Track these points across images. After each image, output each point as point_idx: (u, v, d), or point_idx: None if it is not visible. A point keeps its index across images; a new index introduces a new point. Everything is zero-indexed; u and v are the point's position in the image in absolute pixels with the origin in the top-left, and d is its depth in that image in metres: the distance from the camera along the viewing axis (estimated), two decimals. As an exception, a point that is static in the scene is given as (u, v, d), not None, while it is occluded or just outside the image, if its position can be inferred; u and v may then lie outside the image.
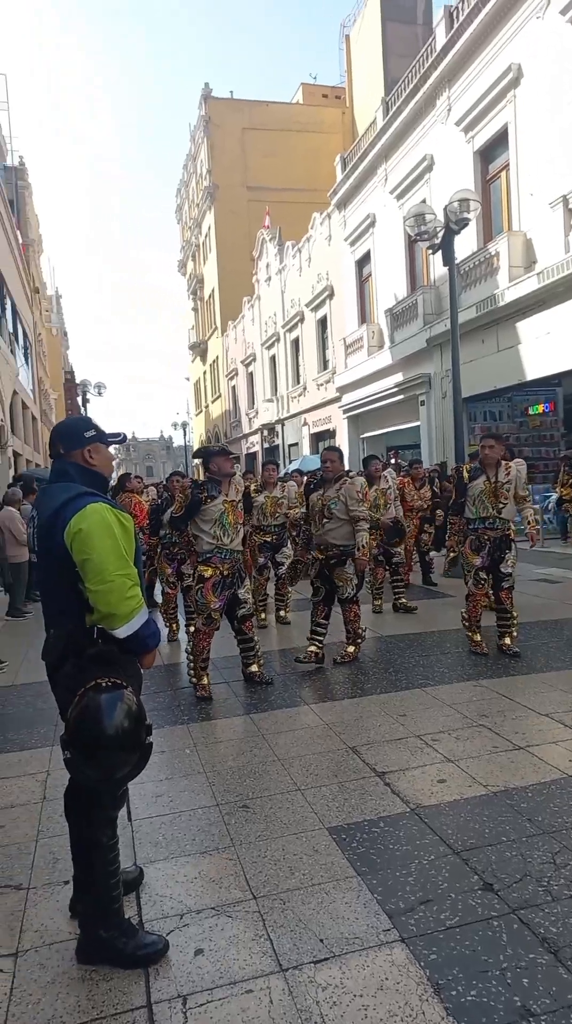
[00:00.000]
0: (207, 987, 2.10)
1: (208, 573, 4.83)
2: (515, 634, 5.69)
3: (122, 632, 2.13)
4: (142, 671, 2.37)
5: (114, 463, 2.65)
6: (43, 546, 2.20)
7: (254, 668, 5.15)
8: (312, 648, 5.48)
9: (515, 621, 5.69)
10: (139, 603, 2.16)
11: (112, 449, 2.55)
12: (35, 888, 2.64)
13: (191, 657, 4.94)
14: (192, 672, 4.95)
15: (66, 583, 2.14)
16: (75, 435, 2.32)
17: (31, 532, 8.44)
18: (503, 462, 5.56)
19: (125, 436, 2.50)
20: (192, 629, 5.02)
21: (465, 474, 5.65)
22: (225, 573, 4.87)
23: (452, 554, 6.03)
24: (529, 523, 5.58)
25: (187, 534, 4.98)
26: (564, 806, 3.06)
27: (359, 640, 5.66)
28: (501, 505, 5.49)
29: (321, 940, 2.28)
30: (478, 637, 5.75)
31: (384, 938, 2.28)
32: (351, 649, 5.61)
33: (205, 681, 4.92)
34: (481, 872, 2.62)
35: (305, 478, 7.59)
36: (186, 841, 2.94)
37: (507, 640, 5.64)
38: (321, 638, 5.52)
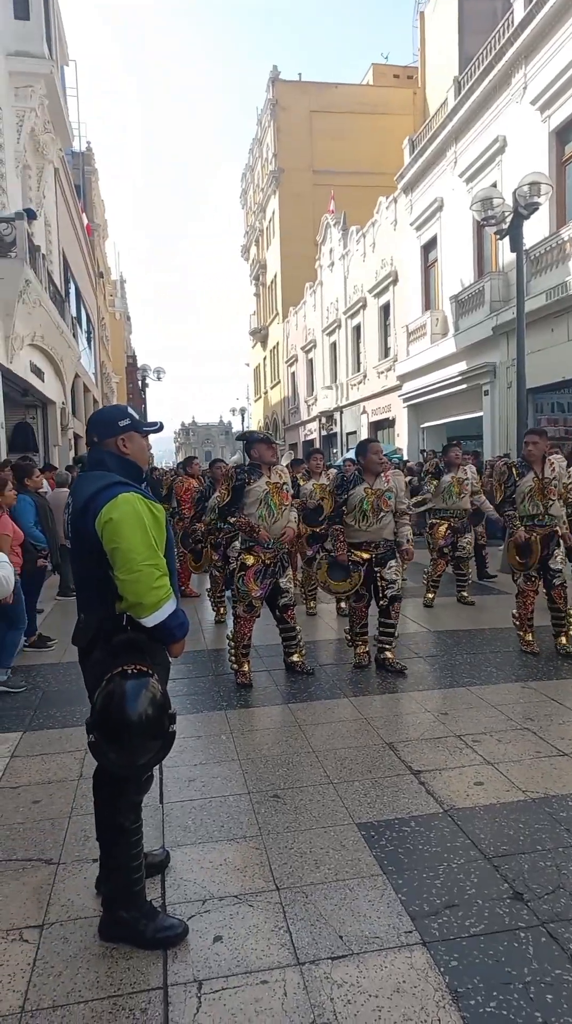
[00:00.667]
0: (223, 974, 2.11)
1: (250, 561, 4.83)
2: (571, 633, 5.52)
3: (149, 621, 2.14)
4: (171, 659, 2.38)
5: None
6: (76, 533, 2.23)
7: (295, 658, 5.14)
8: (364, 649, 5.32)
9: (571, 619, 5.52)
10: (167, 593, 2.16)
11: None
12: (65, 864, 2.71)
13: (232, 643, 4.96)
14: (233, 658, 4.98)
15: (97, 570, 2.17)
16: (109, 424, 2.33)
17: (66, 519, 8.65)
18: (547, 458, 5.40)
19: (161, 425, 2.50)
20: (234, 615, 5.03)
21: (515, 472, 5.49)
22: (267, 562, 4.86)
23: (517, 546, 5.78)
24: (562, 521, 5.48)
25: (242, 522, 4.88)
26: (606, 818, 2.95)
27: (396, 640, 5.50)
28: (549, 502, 5.35)
29: (340, 937, 2.26)
30: (529, 637, 5.59)
31: (405, 940, 2.24)
32: (390, 655, 5.26)
33: (245, 668, 4.94)
34: (512, 880, 2.54)
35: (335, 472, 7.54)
36: (214, 827, 2.96)
37: (563, 639, 5.49)
38: (366, 637, 5.41)
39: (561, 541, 5.47)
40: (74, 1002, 2.02)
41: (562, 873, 2.58)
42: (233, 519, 4.88)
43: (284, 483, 4.97)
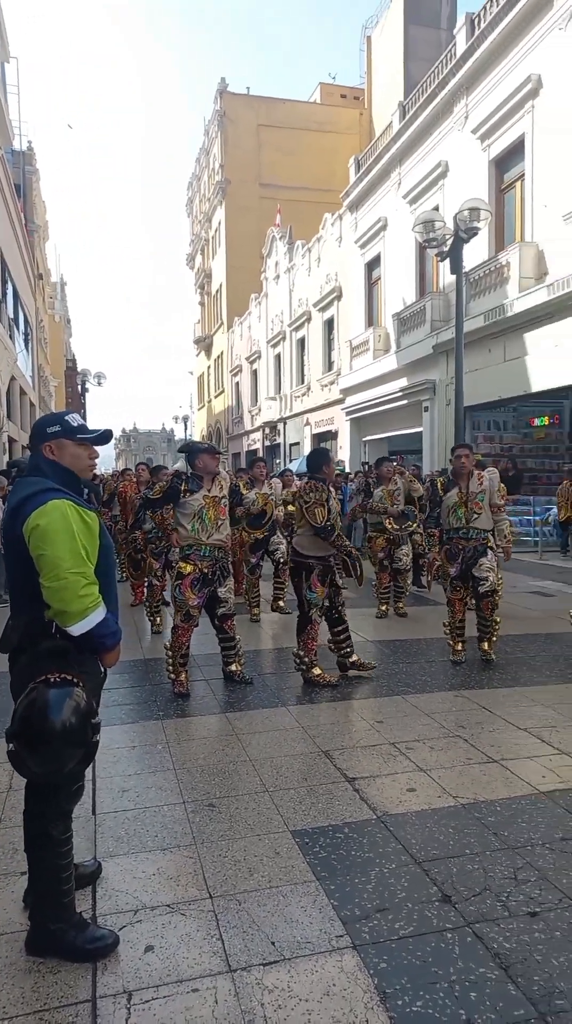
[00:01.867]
0: (154, 984, 2.09)
1: (187, 570, 4.82)
2: (495, 639, 5.73)
3: (75, 629, 2.12)
4: (107, 668, 2.35)
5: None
6: (7, 538, 2.19)
7: (234, 667, 5.13)
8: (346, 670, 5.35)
9: (496, 628, 5.72)
10: (94, 602, 2.14)
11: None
12: (-9, 877, 2.63)
13: (170, 652, 4.93)
14: (170, 667, 4.94)
15: (26, 575, 2.14)
16: (39, 430, 2.31)
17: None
18: (476, 472, 5.55)
19: (105, 433, 2.42)
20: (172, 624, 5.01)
21: (440, 486, 5.63)
22: (205, 571, 4.86)
23: (437, 562, 5.96)
24: (505, 537, 5.61)
25: (159, 518, 4.95)
26: (531, 822, 3.05)
27: None
28: (474, 515, 5.48)
29: (273, 943, 2.27)
30: (459, 646, 5.72)
31: (336, 944, 2.27)
32: (356, 657, 5.42)
33: (182, 677, 4.91)
34: (441, 884, 2.61)
35: (299, 479, 7.66)
36: (148, 837, 2.93)
37: (485, 644, 5.71)
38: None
39: (488, 552, 5.57)
40: (-2, 1019, 1.97)
41: (488, 875, 2.66)
42: (151, 514, 4.92)
43: (222, 496, 4.95)
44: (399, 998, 2.04)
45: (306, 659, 5.12)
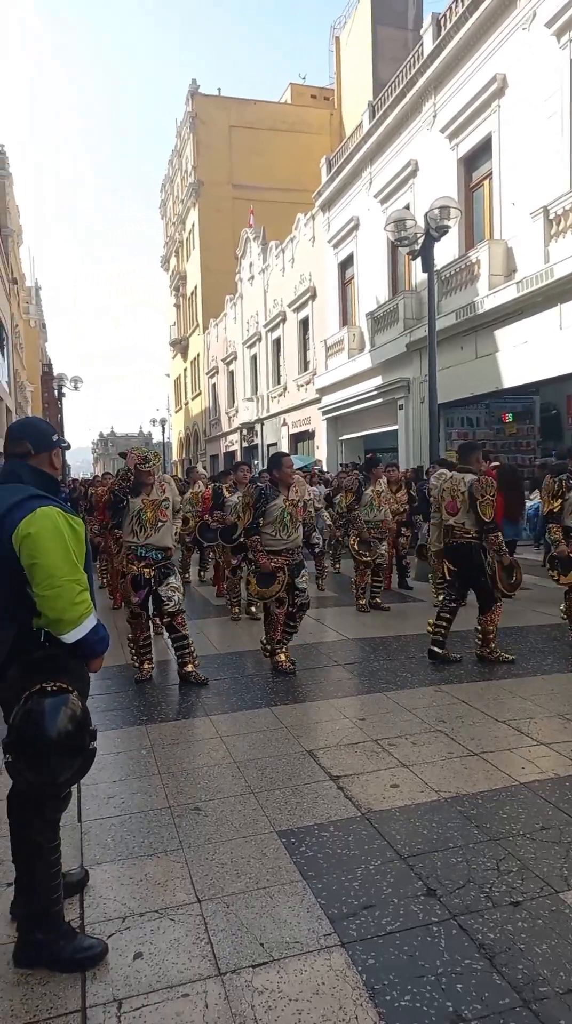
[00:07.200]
0: (143, 991, 2.09)
1: (130, 570, 5.15)
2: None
3: (69, 637, 2.12)
4: (91, 674, 2.36)
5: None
6: None
7: (189, 668, 5.25)
8: (285, 657, 5.55)
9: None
10: (88, 608, 2.15)
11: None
12: (-23, 889, 2.62)
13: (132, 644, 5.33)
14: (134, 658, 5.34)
15: (12, 586, 2.12)
16: (46, 437, 2.35)
17: None
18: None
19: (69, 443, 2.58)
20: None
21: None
22: (144, 571, 5.11)
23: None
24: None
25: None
26: (512, 813, 3.10)
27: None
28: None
29: (261, 944, 2.29)
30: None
31: (324, 943, 2.29)
32: (283, 657, 5.57)
33: (146, 665, 5.38)
34: (425, 878, 2.64)
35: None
36: (134, 843, 2.93)
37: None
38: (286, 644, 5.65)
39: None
40: (-12, 1032, 1.96)
41: (472, 868, 2.70)
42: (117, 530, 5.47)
43: (163, 500, 5.20)
44: (387, 993, 2.06)
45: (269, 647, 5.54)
